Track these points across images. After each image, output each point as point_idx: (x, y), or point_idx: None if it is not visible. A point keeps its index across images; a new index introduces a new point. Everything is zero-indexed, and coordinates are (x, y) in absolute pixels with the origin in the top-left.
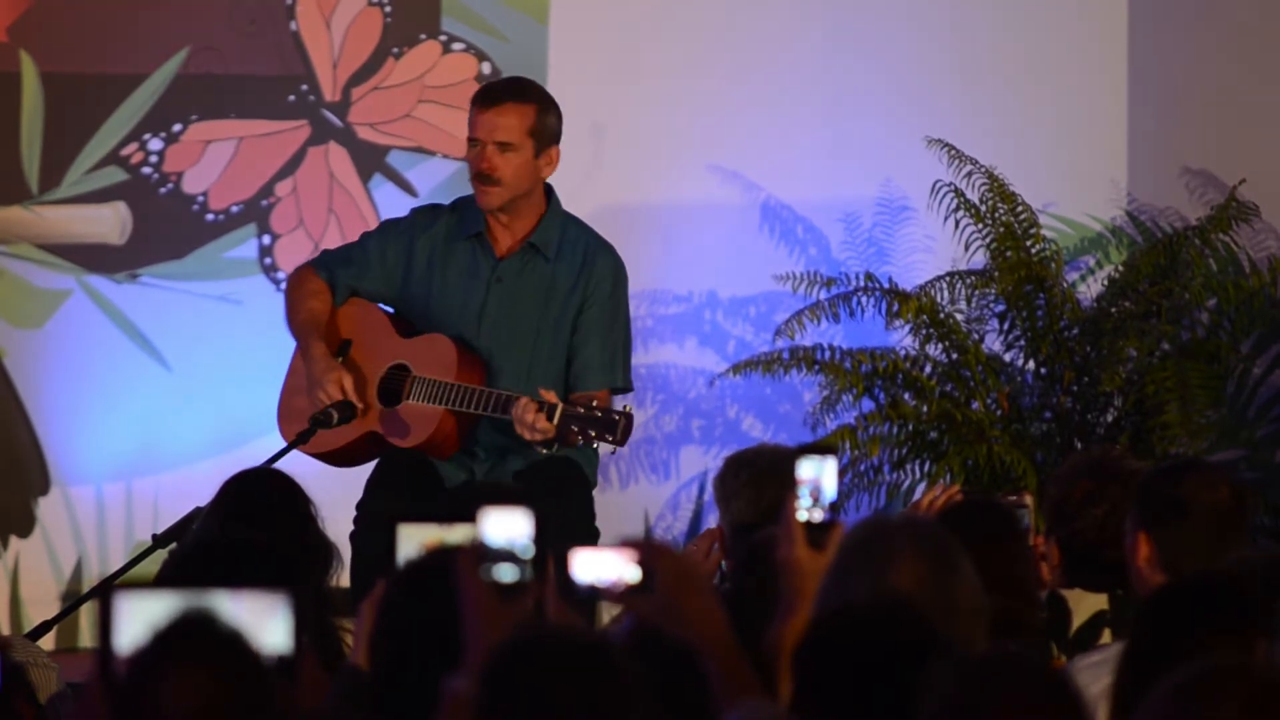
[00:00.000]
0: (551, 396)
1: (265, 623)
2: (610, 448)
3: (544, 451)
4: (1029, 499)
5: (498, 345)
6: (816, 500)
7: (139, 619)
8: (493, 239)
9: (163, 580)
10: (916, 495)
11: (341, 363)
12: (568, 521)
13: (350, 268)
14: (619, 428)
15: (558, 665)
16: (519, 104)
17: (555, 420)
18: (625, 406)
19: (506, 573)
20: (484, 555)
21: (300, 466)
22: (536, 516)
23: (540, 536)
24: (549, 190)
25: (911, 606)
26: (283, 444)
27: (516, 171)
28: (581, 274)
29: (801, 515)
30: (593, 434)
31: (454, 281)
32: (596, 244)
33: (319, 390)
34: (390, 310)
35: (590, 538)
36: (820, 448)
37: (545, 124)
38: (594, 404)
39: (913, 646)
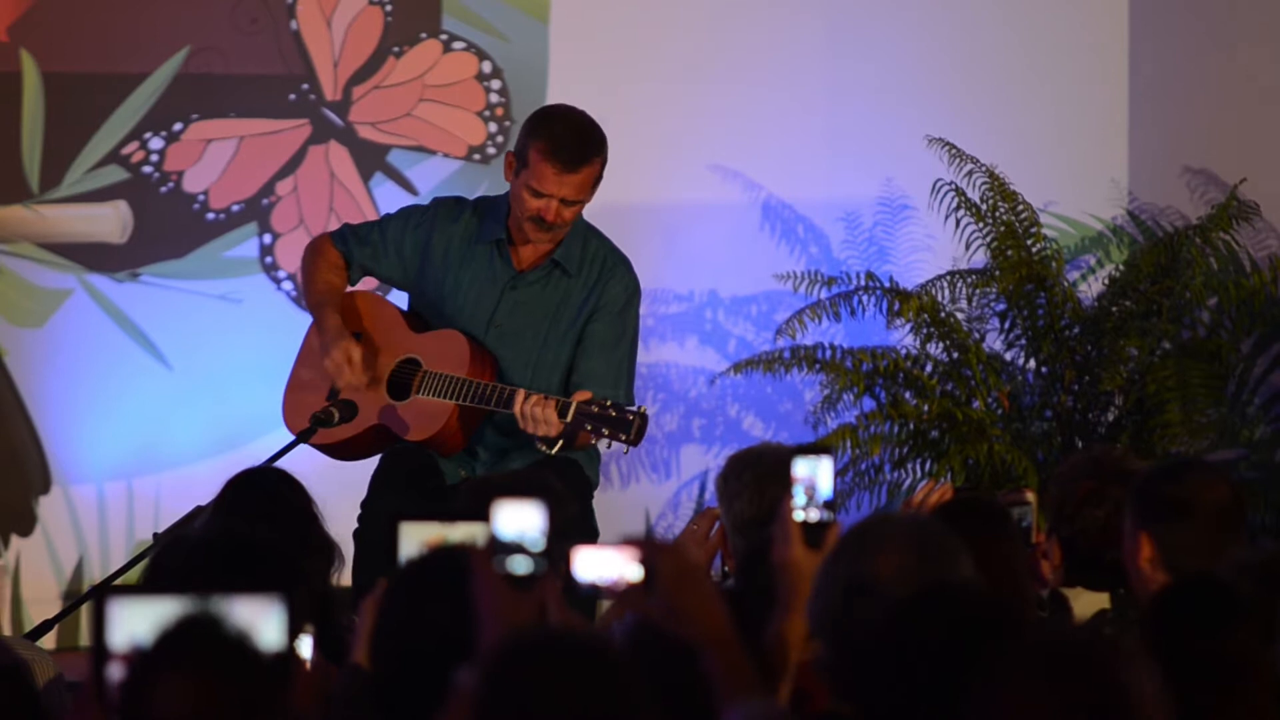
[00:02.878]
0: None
1: (259, 624)
2: (623, 447)
3: (544, 449)
4: (1030, 496)
5: (503, 350)
6: (811, 499)
7: (133, 621)
8: (514, 251)
9: (159, 578)
10: None
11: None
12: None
13: (367, 249)
14: (633, 427)
15: (558, 664)
16: (591, 166)
17: (569, 417)
18: (640, 407)
19: (519, 564)
20: (497, 548)
21: (302, 465)
22: (549, 509)
23: (552, 529)
24: None
25: (981, 593)
26: (284, 440)
27: (574, 217)
28: (595, 288)
29: (798, 515)
30: (606, 432)
31: (468, 284)
32: (615, 259)
33: (326, 357)
34: (403, 307)
35: (588, 537)
36: (816, 448)
37: (602, 172)
38: (608, 403)
39: (971, 631)
